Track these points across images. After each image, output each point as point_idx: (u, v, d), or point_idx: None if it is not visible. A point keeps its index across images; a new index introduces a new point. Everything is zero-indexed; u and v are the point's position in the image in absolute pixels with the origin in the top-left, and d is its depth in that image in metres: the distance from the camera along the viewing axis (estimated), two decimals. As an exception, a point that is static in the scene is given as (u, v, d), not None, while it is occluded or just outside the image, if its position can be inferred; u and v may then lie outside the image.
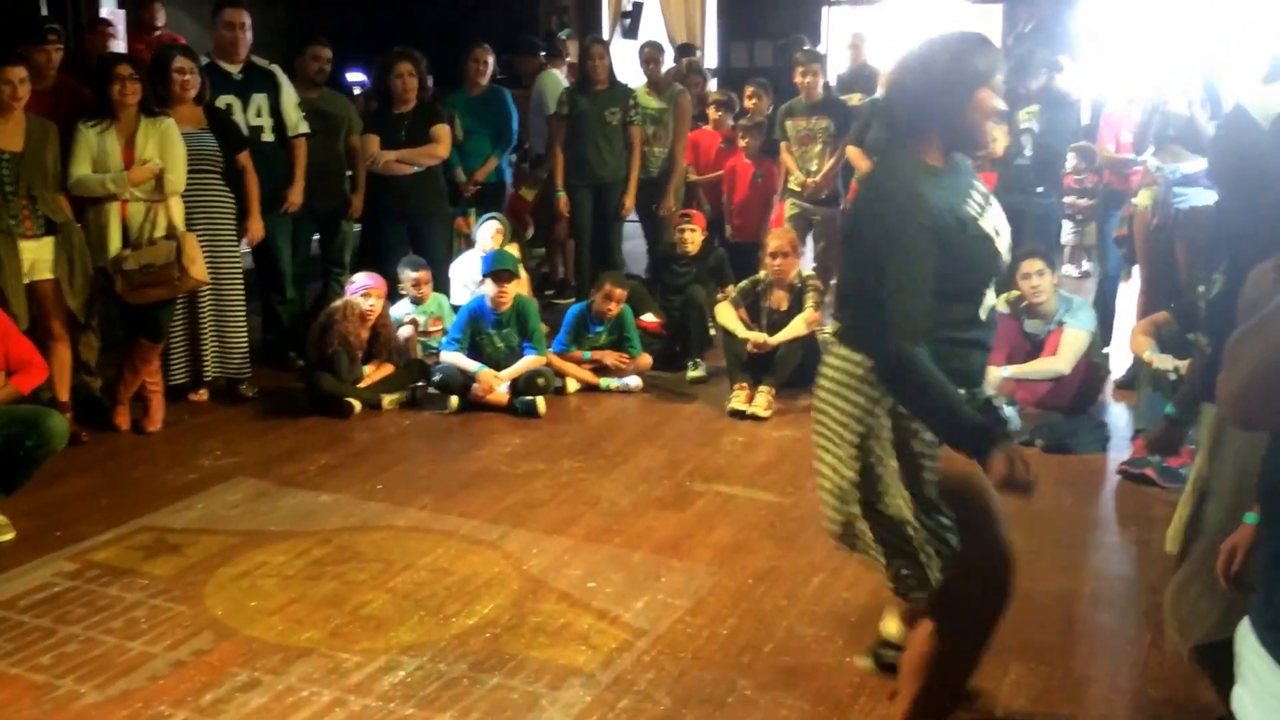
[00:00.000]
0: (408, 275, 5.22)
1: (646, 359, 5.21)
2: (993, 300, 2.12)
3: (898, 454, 2.01)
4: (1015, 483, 1.88)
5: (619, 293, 5.18)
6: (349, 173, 5.48)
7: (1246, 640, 1.39)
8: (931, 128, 2.04)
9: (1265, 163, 1.59)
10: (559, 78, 6.77)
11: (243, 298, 4.83)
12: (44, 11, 6.88)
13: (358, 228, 5.77)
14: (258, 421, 4.63)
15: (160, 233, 4.30)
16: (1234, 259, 1.96)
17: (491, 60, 6.12)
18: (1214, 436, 2.22)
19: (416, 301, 5.26)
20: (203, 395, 4.82)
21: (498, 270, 4.87)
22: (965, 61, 2.01)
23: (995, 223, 2.09)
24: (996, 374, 4.55)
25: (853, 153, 5.80)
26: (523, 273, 5.85)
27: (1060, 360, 4.50)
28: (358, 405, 4.70)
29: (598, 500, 3.78)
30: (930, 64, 2.04)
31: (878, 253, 1.97)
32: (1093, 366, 4.68)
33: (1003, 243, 2.09)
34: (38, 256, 4.12)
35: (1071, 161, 6.58)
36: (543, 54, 7.41)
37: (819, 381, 2.13)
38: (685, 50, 8.32)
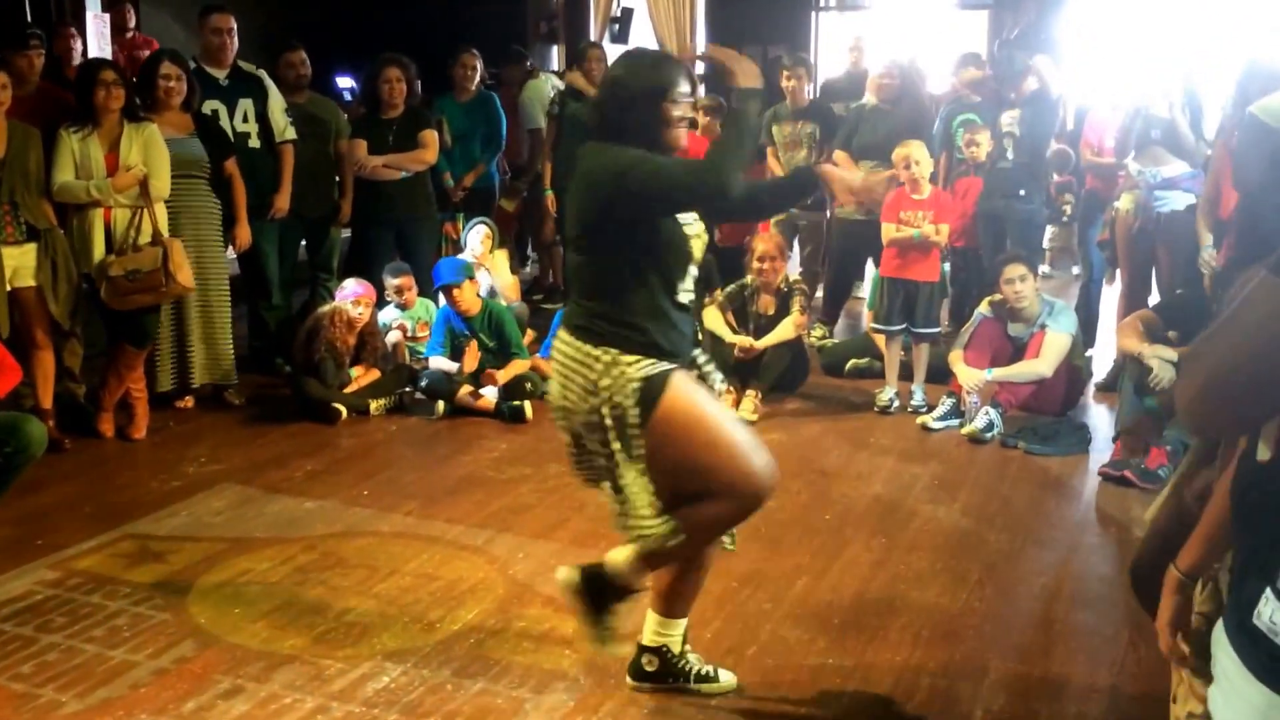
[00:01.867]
0: (390, 282, 5.21)
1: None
2: (689, 291, 2.36)
3: (618, 428, 2.27)
4: (854, 189, 2.37)
5: (606, 297, 5.17)
6: (337, 178, 5.47)
7: (1220, 642, 1.40)
8: (627, 135, 2.29)
9: None
10: (544, 89, 6.76)
11: (229, 304, 4.82)
12: (28, 17, 6.85)
13: (347, 234, 5.76)
14: (244, 428, 4.62)
15: (145, 239, 4.29)
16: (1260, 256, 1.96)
17: (480, 65, 6.12)
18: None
19: (403, 307, 5.26)
20: (189, 402, 4.80)
21: (443, 285, 4.84)
22: (644, 79, 2.28)
23: (689, 218, 2.37)
24: (981, 376, 4.58)
25: (840, 158, 5.81)
26: (511, 277, 5.85)
27: (1042, 363, 4.53)
28: (344, 411, 4.69)
29: (584, 505, 3.77)
30: (617, 82, 2.32)
31: (640, 184, 2.19)
32: (1074, 369, 4.71)
33: (698, 244, 2.37)
34: (20, 263, 4.11)
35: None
36: (529, 62, 7.41)
37: (556, 346, 2.36)
38: None
